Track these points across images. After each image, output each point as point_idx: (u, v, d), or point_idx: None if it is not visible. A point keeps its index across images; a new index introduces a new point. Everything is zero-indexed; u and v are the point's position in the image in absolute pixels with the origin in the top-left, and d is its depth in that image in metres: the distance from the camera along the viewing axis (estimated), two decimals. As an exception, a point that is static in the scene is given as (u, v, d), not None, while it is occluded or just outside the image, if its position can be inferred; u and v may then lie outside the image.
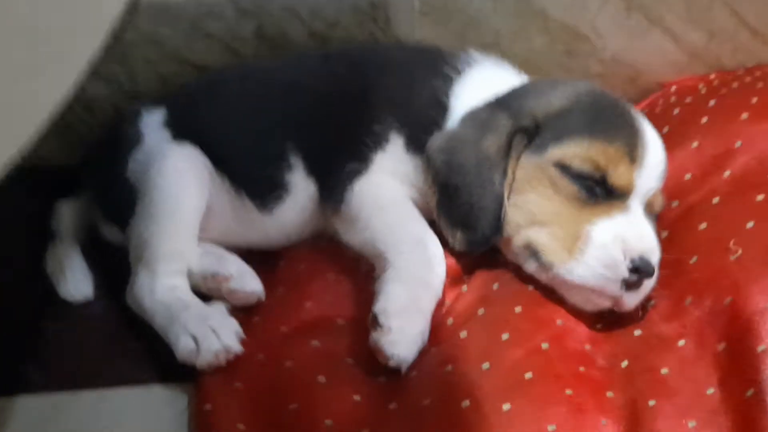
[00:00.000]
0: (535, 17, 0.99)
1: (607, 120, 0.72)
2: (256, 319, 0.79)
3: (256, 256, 0.86)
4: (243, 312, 0.81)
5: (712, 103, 0.84)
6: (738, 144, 0.77)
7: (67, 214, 0.92)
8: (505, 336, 0.66)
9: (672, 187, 0.77)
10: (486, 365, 0.63)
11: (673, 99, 0.92)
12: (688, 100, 0.88)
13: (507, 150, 0.73)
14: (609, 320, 0.71)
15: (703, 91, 0.90)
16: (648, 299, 0.71)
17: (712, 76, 0.99)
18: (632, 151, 0.71)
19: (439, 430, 0.60)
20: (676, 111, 0.86)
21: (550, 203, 0.71)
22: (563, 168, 0.71)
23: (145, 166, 0.83)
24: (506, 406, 0.59)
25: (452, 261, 0.78)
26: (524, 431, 0.58)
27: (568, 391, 0.61)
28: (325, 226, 0.85)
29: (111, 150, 0.88)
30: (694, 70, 1.03)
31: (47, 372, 0.79)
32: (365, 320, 0.72)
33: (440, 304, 0.75)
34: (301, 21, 0.97)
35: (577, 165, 0.70)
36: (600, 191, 0.70)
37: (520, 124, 0.73)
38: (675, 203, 0.77)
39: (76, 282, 0.87)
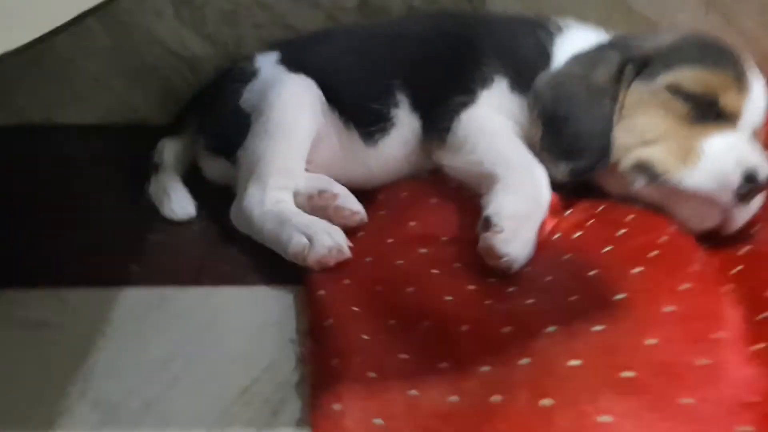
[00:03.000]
0: (619, 7, 1.06)
1: (716, 54, 0.77)
2: (360, 234, 0.81)
3: (357, 192, 0.88)
4: (346, 232, 0.82)
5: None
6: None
7: (170, 149, 0.96)
8: (621, 231, 0.68)
9: None
10: (608, 248, 0.65)
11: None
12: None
13: (618, 79, 0.77)
14: (711, 238, 0.73)
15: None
16: (752, 224, 0.73)
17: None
18: (740, 81, 0.75)
19: (572, 297, 0.61)
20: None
21: (663, 122, 0.75)
22: (675, 90, 0.75)
23: (262, 93, 0.87)
24: (637, 270, 0.60)
25: (553, 195, 0.80)
26: (654, 289, 0.59)
27: (694, 267, 0.62)
28: (425, 165, 0.88)
29: (225, 83, 0.92)
30: (768, 73, 1.09)
31: (151, 270, 0.80)
32: (470, 238, 0.74)
33: (543, 227, 0.77)
34: (403, -6, 1.05)
35: (689, 86, 0.74)
36: (710, 114, 0.74)
37: (630, 55, 0.78)
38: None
39: (180, 200, 0.90)
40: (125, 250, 0.84)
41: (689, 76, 0.75)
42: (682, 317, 0.56)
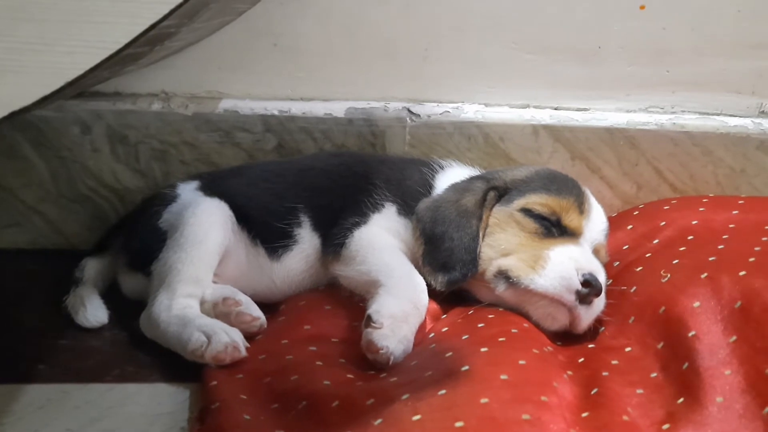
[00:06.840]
0: (500, 157, 1.24)
1: (561, 184, 0.93)
2: (259, 338, 0.89)
3: (261, 304, 0.97)
4: (247, 337, 0.90)
5: (637, 213, 1.06)
6: (663, 223, 0.97)
7: (91, 266, 1.04)
8: (480, 325, 0.78)
9: (614, 254, 0.95)
10: (465, 336, 0.75)
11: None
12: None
13: (482, 203, 0.92)
14: (566, 339, 0.83)
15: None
16: (598, 325, 0.85)
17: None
18: (581, 205, 0.90)
19: (428, 372, 0.69)
20: (614, 214, 1.07)
21: (517, 238, 0.88)
22: (527, 212, 0.89)
23: (179, 213, 0.98)
24: (484, 349, 0.70)
25: (433, 304, 0.91)
26: (502, 363, 0.68)
27: (535, 350, 0.72)
28: (323, 280, 0.99)
29: (147, 206, 1.03)
30: (628, 214, 1.26)
31: (56, 369, 0.86)
32: (357, 340, 0.83)
33: (422, 327, 0.87)
34: (314, 140, 1.20)
35: (537, 209, 0.89)
36: (556, 230, 0.88)
37: (492, 185, 0.93)
38: (617, 263, 0.94)
39: (94, 310, 0.96)
40: (35, 352, 0.89)
41: (537, 201, 0.90)
42: (515, 383, 0.65)
